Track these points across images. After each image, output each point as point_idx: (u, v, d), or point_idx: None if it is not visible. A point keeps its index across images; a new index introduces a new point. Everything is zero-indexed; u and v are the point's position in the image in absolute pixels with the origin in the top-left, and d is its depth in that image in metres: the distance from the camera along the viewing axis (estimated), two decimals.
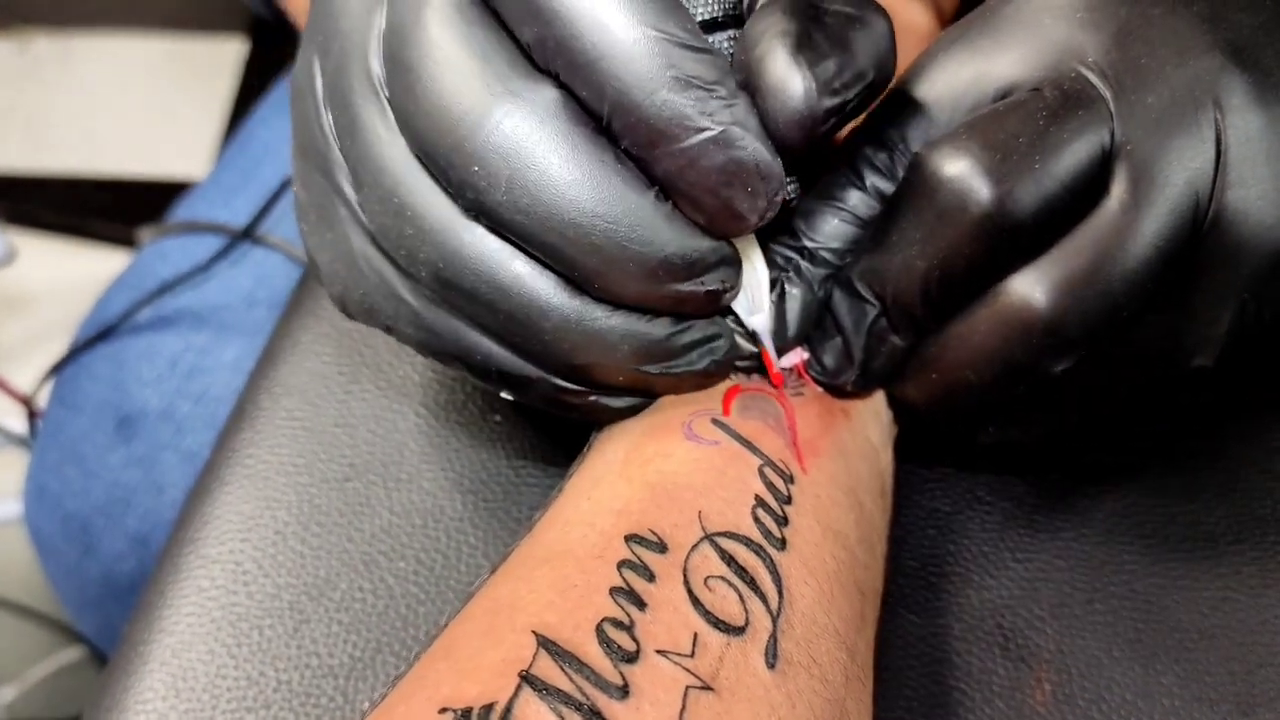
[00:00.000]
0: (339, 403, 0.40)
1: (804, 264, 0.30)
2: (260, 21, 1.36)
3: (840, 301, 0.30)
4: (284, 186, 0.53)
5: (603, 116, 0.24)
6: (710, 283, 0.26)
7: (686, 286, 0.26)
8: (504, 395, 0.29)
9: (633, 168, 0.25)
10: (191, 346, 0.57)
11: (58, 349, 0.61)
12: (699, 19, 0.27)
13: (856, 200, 0.30)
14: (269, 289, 0.58)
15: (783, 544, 0.27)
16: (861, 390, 0.31)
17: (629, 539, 0.26)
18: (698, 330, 0.28)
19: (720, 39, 0.27)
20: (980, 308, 0.28)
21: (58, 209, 1.29)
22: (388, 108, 0.26)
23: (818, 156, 0.28)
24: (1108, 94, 0.27)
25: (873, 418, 0.33)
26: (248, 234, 0.54)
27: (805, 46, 0.24)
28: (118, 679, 0.34)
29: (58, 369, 0.60)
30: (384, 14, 0.26)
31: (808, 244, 0.30)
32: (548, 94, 0.24)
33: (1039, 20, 0.28)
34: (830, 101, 0.24)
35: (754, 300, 0.29)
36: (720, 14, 0.27)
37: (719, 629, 0.24)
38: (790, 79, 0.24)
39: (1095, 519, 0.36)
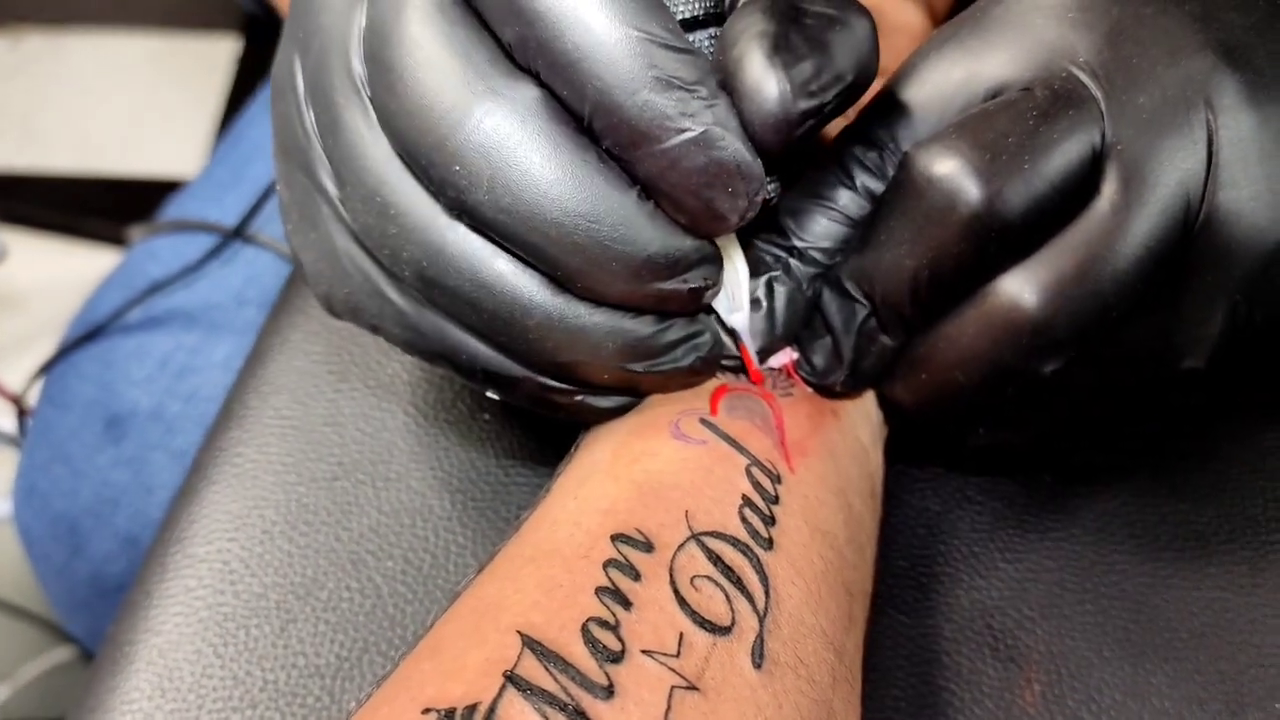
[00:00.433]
0: (328, 401, 0.40)
1: (793, 263, 0.30)
2: (253, 19, 1.35)
3: (830, 301, 0.30)
4: (275, 185, 0.53)
5: (584, 116, 0.24)
6: (693, 280, 0.26)
7: (669, 284, 0.26)
8: (491, 395, 0.29)
9: (614, 167, 0.25)
10: (181, 346, 0.57)
11: (48, 348, 0.61)
12: (680, 17, 0.27)
13: (846, 200, 0.30)
14: (259, 288, 0.57)
15: (770, 544, 0.27)
16: (851, 390, 0.31)
17: (615, 538, 0.25)
18: (681, 328, 0.28)
19: (701, 37, 0.27)
20: (970, 308, 0.28)
21: (48, 207, 1.29)
22: (369, 106, 0.26)
23: (801, 155, 0.28)
24: (1099, 94, 0.27)
25: (862, 418, 0.32)
26: (238, 233, 0.54)
27: (782, 48, 0.24)
28: (103, 679, 0.34)
29: (47, 368, 0.59)
30: (364, 11, 0.26)
31: (797, 243, 0.30)
32: (529, 93, 0.24)
33: (1030, 20, 0.28)
34: (806, 104, 0.24)
35: (734, 299, 0.29)
36: (701, 12, 0.27)
37: (705, 629, 0.24)
38: (765, 82, 0.24)
39: (1085, 519, 0.35)
